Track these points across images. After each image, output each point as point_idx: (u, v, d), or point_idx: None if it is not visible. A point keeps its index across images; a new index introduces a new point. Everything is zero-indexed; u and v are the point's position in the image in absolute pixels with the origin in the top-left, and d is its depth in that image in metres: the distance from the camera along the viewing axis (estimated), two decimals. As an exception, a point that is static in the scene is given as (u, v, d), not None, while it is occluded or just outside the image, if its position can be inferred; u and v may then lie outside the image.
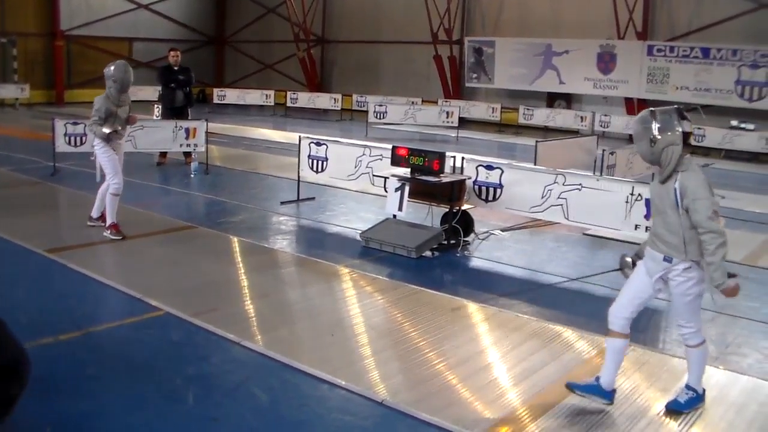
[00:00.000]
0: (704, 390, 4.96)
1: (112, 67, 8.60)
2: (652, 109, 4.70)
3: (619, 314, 4.89)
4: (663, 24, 25.84)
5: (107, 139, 8.60)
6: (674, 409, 4.87)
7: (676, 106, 4.77)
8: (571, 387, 4.99)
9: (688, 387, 4.92)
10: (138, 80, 13.57)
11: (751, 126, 22.78)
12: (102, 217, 8.97)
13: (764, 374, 5.66)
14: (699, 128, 22.99)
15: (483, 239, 9.67)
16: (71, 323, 6.02)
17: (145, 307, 6.49)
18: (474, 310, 6.89)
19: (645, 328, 6.49)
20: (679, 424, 4.76)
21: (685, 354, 5.01)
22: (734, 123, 23.07)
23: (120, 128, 8.71)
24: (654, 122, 4.57)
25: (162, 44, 30.97)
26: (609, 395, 4.91)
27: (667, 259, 4.67)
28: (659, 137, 4.54)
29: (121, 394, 4.85)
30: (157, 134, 13.88)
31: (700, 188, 4.50)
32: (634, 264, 5.05)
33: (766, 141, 22.05)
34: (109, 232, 8.75)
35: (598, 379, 4.93)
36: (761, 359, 6.03)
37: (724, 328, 6.68)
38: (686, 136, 4.60)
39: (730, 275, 4.51)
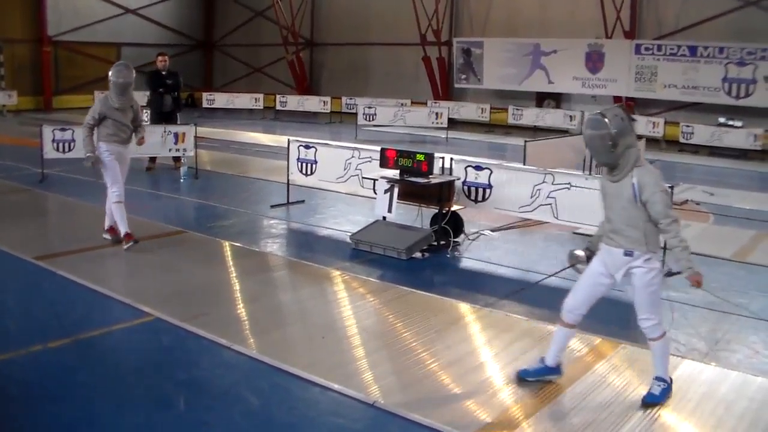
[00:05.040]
0: (671, 378, 5.06)
1: (110, 70, 8.45)
2: (601, 113, 4.77)
3: (576, 310, 5.13)
4: (650, 23, 25.94)
5: (107, 142, 8.44)
6: (652, 402, 4.94)
7: (618, 105, 4.92)
8: (523, 375, 5.27)
9: (658, 378, 5.02)
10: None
11: (738, 123, 22.86)
12: (112, 230, 8.79)
13: (754, 369, 5.68)
14: (687, 126, 23.12)
15: (473, 240, 9.67)
16: (60, 330, 6.00)
17: (135, 313, 6.47)
18: (465, 310, 6.90)
19: (636, 326, 6.49)
20: (669, 420, 4.78)
21: (649, 346, 5.10)
22: (722, 120, 23.16)
23: (122, 134, 8.56)
24: (610, 128, 4.67)
25: (150, 49, 30.85)
26: (558, 370, 5.27)
27: (628, 253, 4.80)
28: (618, 142, 4.67)
29: (111, 400, 4.83)
30: (145, 139, 13.80)
31: (657, 182, 4.68)
32: (588, 259, 5.20)
33: (755, 137, 22.13)
34: (124, 242, 8.54)
35: (543, 360, 5.27)
36: (750, 355, 6.05)
37: (714, 325, 6.70)
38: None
39: (671, 274, 4.68)
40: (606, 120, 4.68)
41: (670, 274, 4.83)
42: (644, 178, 4.66)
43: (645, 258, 4.77)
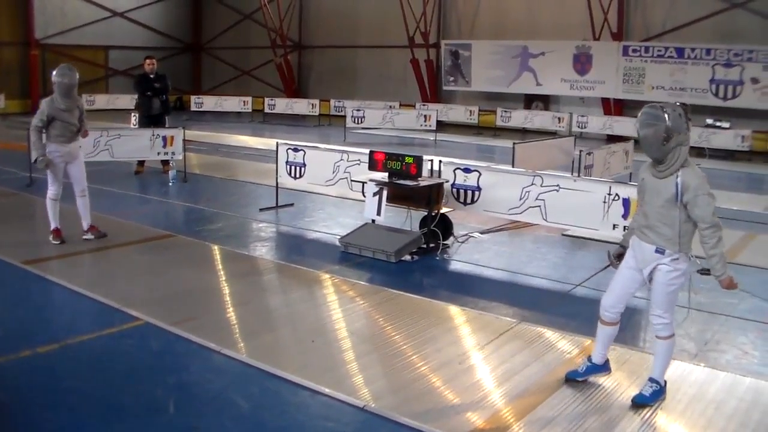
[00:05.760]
0: (666, 382, 5.08)
1: (54, 71, 8.51)
2: (661, 105, 4.70)
3: (612, 309, 5.13)
4: (638, 24, 26.07)
5: (54, 142, 8.52)
6: (641, 403, 4.96)
7: (679, 103, 4.83)
8: (572, 377, 5.29)
9: (651, 380, 5.04)
10: (115, 89, 13.62)
11: (726, 124, 22.99)
12: (92, 228, 8.97)
13: (743, 370, 5.70)
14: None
15: (462, 242, 9.68)
16: (49, 335, 5.96)
17: (124, 317, 6.43)
18: (455, 312, 6.90)
19: (625, 327, 6.49)
20: (660, 421, 4.79)
21: (652, 346, 5.09)
22: (710, 121, 23.27)
23: (69, 132, 8.58)
24: (667, 121, 4.60)
25: (138, 52, 30.79)
26: (606, 367, 5.32)
27: (659, 251, 4.80)
28: (672, 137, 4.61)
29: (100, 405, 4.80)
30: (134, 143, 13.80)
31: (702, 185, 4.65)
32: (620, 256, 5.21)
33: (742, 138, 22.27)
34: (51, 236, 8.89)
35: (591, 359, 5.30)
36: (739, 355, 6.08)
37: (703, 325, 6.72)
38: None
39: (704, 272, 4.65)
40: (664, 113, 4.61)
41: (703, 272, 4.85)
42: (689, 179, 4.63)
43: (673, 257, 4.77)
